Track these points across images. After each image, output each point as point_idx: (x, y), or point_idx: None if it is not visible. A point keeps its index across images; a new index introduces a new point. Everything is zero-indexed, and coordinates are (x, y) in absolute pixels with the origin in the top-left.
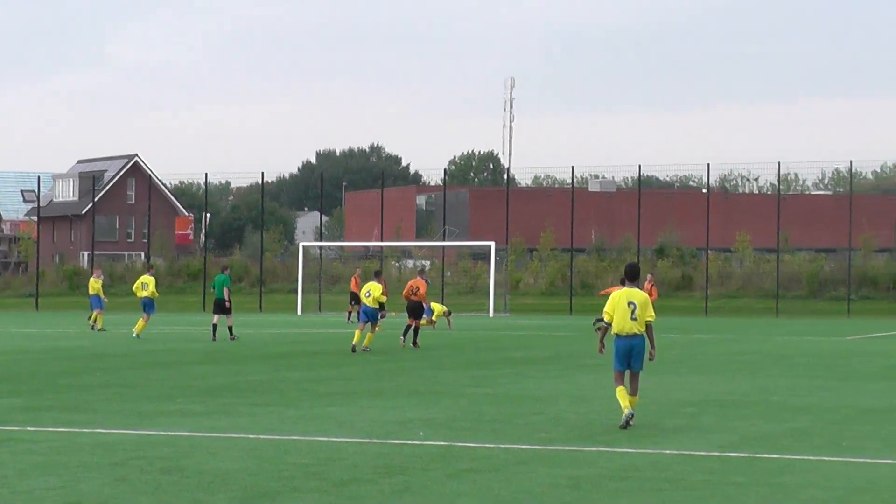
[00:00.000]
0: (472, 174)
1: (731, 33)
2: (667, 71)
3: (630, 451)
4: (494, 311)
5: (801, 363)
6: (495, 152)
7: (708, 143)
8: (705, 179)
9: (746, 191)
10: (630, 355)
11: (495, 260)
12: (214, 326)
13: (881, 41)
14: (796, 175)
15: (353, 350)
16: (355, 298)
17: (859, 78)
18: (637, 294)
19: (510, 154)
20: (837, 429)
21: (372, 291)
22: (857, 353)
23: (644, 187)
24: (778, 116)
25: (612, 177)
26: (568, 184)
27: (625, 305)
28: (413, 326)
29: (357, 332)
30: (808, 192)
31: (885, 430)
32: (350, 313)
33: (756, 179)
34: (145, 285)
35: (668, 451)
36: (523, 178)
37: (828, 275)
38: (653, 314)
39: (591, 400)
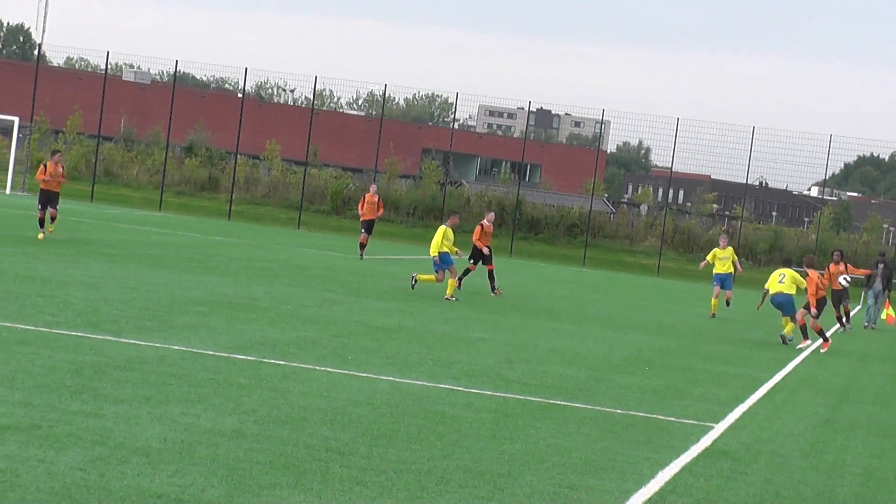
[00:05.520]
0: None
1: None
2: None
3: (137, 342)
4: (12, 188)
5: (317, 275)
6: (26, 26)
7: (248, 47)
8: (241, 84)
9: (282, 101)
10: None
11: (18, 137)
12: None
13: None
14: (331, 92)
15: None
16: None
17: (401, 4)
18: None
19: (43, 30)
20: (343, 342)
21: None
22: (372, 272)
23: (179, 84)
24: (313, 31)
25: (148, 69)
26: (101, 69)
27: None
28: None
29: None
30: (341, 111)
31: (388, 347)
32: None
33: (292, 91)
34: None
35: (175, 347)
36: (56, 56)
37: (352, 193)
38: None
39: (102, 288)
